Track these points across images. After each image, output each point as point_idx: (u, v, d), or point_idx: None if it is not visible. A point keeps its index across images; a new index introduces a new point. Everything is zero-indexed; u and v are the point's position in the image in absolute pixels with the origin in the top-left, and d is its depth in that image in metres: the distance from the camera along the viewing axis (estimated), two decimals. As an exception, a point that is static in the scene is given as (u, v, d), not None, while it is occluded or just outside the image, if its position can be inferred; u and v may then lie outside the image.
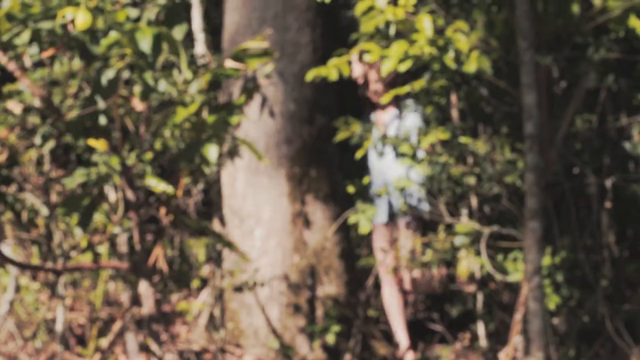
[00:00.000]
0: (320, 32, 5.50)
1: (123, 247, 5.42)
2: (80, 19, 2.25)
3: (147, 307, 2.95)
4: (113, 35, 2.53)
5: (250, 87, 3.41)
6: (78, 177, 2.87)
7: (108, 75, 2.58)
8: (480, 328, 5.49)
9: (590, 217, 4.65)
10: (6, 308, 4.86)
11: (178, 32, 2.59)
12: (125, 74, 3.69)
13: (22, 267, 3.16)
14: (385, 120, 5.57)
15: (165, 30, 2.51)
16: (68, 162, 5.43)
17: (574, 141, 5.65)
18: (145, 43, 2.40)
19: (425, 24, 3.83)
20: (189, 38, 5.71)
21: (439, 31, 4.01)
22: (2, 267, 5.03)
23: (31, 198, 4.17)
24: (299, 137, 5.35)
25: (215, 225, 5.53)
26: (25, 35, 2.45)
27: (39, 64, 3.09)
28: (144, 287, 2.94)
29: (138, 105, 2.99)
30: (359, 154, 4.96)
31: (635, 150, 5.57)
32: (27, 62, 3.45)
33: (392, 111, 5.52)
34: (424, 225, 5.76)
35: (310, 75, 4.30)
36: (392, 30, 3.89)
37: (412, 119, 5.40)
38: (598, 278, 4.62)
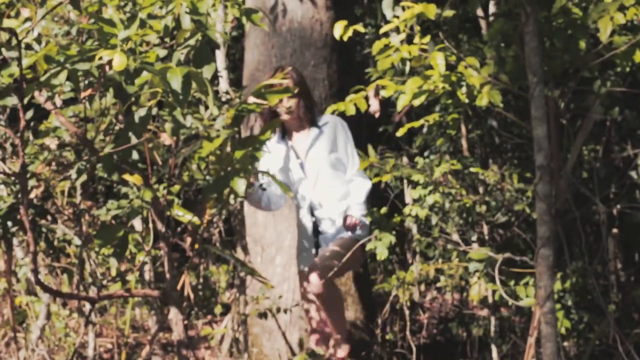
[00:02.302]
0: (336, 68, 5.55)
1: (148, 275, 5.45)
2: (116, 60, 2.28)
3: (177, 332, 2.95)
4: (145, 75, 2.56)
5: (272, 122, 3.43)
6: (112, 210, 2.89)
7: (140, 113, 2.61)
8: (494, 352, 5.46)
9: (599, 244, 4.63)
10: (38, 334, 4.87)
11: (207, 72, 2.62)
12: (154, 110, 3.74)
13: (60, 295, 3.18)
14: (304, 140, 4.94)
15: (195, 70, 2.54)
16: (96, 193, 5.46)
17: (582, 170, 5.65)
18: (175, 82, 2.43)
19: (439, 60, 3.86)
20: (213, 75, 5.76)
21: (451, 67, 4.04)
22: (36, 295, 5.05)
23: (63, 229, 4.20)
24: (317, 168, 5.36)
25: (238, 254, 5.54)
26: (62, 76, 2.48)
27: (69, 102, 3.13)
28: (174, 313, 2.95)
29: (167, 140, 3.02)
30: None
31: (640, 179, 5.56)
32: (59, 101, 3.48)
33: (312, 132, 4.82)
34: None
35: (330, 110, 4.33)
36: (407, 67, 3.91)
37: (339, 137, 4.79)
38: (608, 302, 4.59)
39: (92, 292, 2.91)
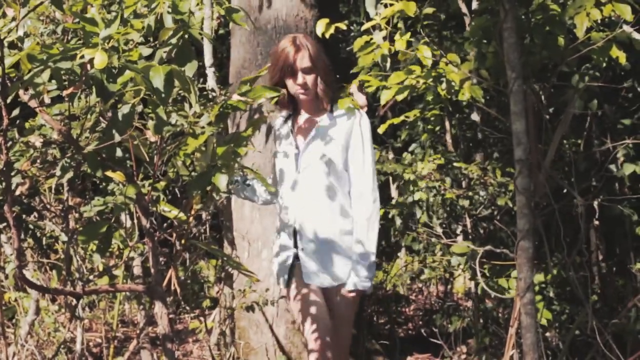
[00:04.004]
0: (321, 65, 5.55)
1: (137, 270, 5.46)
2: (97, 59, 2.29)
3: (162, 327, 2.96)
4: (128, 73, 2.57)
5: (256, 119, 3.45)
6: (96, 206, 2.90)
7: (123, 110, 2.62)
8: (476, 342, 5.49)
9: (578, 236, 4.67)
10: (27, 329, 4.87)
11: (189, 70, 2.63)
12: (139, 108, 3.74)
13: (44, 290, 3.18)
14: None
15: (177, 68, 2.55)
16: (85, 190, 5.46)
17: (562, 164, 5.69)
18: (158, 80, 2.44)
19: (426, 53, 3.90)
20: (201, 72, 5.77)
21: (433, 63, 4.06)
22: (25, 291, 5.05)
23: (51, 225, 4.20)
24: (303, 163, 5.38)
25: (225, 248, 5.56)
26: (45, 75, 2.49)
27: (57, 100, 3.13)
28: (159, 308, 2.96)
29: (152, 137, 3.03)
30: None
31: (620, 172, 5.60)
32: (47, 99, 3.49)
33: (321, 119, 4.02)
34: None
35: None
36: (387, 65, 3.93)
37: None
38: (587, 293, 4.63)
39: (79, 287, 2.91)
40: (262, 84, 3.26)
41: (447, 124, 6.54)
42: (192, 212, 4.20)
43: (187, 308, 5.80)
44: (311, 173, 3.69)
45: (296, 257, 3.75)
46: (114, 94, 2.49)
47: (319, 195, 3.68)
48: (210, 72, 5.44)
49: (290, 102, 3.85)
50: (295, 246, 3.73)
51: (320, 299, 3.66)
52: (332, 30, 4.06)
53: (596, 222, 6.30)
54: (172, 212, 3.77)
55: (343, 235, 3.66)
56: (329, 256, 3.67)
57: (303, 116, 3.84)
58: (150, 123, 2.79)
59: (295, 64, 3.65)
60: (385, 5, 3.98)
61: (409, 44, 3.94)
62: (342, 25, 4.08)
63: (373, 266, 3.65)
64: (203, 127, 3.09)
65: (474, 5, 6.36)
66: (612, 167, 5.69)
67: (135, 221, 4.02)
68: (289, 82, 3.70)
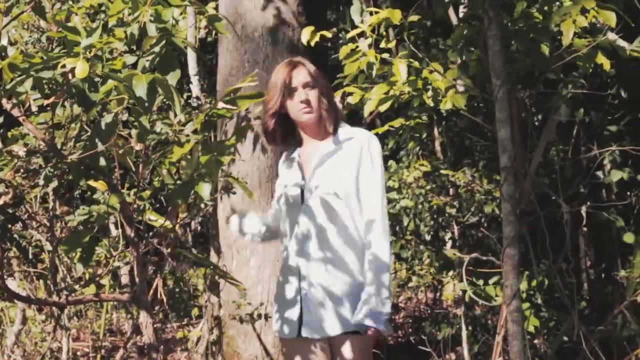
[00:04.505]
0: (308, 73, 5.56)
1: (125, 279, 5.45)
2: (79, 68, 2.29)
3: (147, 336, 2.96)
4: (111, 82, 2.58)
5: (241, 127, 3.45)
6: (80, 216, 2.90)
7: (106, 119, 2.62)
8: (465, 349, 5.50)
9: (564, 243, 4.69)
10: (13, 339, 4.86)
11: (172, 78, 2.62)
12: (124, 116, 3.73)
13: (27, 301, 3.17)
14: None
15: (160, 77, 2.55)
16: (71, 198, 5.45)
17: (549, 171, 5.71)
18: (140, 89, 2.44)
19: (401, 67, 3.89)
20: (187, 80, 5.77)
21: (418, 72, 4.08)
22: (11, 301, 5.03)
23: (36, 234, 4.19)
24: (290, 171, 5.39)
25: (213, 256, 5.55)
26: (27, 84, 2.49)
27: (43, 109, 3.13)
28: (143, 317, 2.96)
29: (136, 145, 3.03)
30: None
31: (607, 179, 5.63)
32: (34, 107, 3.50)
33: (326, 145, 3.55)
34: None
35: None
36: (373, 72, 3.94)
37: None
38: (574, 300, 4.65)
39: (63, 297, 2.91)
40: (250, 91, 3.26)
41: (435, 131, 6.56)
42: (178, 220, 4.20)
43: (176, 317, 5.79)
44: (318, 203, 3.24)
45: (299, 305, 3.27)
46: (95, 103, 2.48)
47: (327, 227, 3.22)
48: (194, 80, 5.44)
49: (291, 137, 3.42)
50: (299, 290, 3.25)
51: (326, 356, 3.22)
52: (317, 38, 4.08)
53: (584, 229, 6.32)
54: (158, 220, 3.76)
55: (354, 272, 3.21)
56: (339, 298, 3.18)
57: (307, 143, 3.38)
58: (134, 132, 2.79)
59: (292, 81, 3.26)
60: (371, 13, 4.00)
61: (383, 61, 3.94)
62: (328, 34, 4.10)
63: (388, 303, 3.16)
64: (188, 136, 3.09)
65: (462, 13, 6.39)
66: (599, 173, 5.71)
67: (120, 230, 4.02)
68: (290, 104, 3.28)
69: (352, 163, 3.24)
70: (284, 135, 3.39)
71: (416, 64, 4.00)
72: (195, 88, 5.50)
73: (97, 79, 2.62)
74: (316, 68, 3.34)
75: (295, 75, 3.27)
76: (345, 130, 3.33)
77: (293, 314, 3.25)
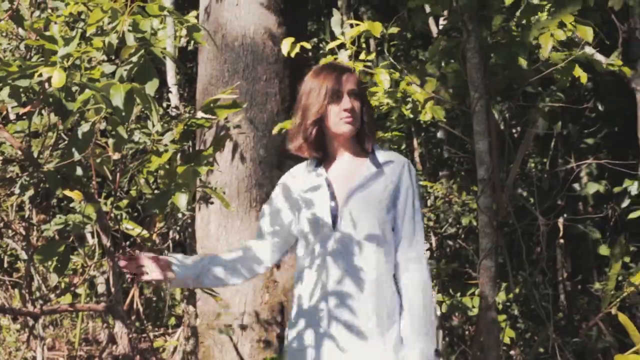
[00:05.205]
0: (288, 83, 5.56)
1: (101, 288, 5.42)
2: (55, 78, 2.28)
3: (122, 346, 2.94)
4: (88, 91, 2.56)
5: (220, 137, 3.45)
6: (55, 225, 2.88)
7: (83, 128, 2.60)
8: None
9: (541, 255, 4.72)
10: (-12, 348, 4.81)
11: (149, 88, 2.62)
12: (102, 125, 3.71)
13: (1, 310, 3.14)
14: None
15: (138, 86, 2.54)
16: (48, 207, 5.42)
17: (527, 183, 5.74)
18: (118, 99, 2.43)
19: (383, 77, 3.91)
20: (166, 89, 5.75)
21: (397, 83, 4.09)
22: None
23: (11, 243, 4.16)
24: (269, 181, 5.37)
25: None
26: (4, 92, 2.48)
27: (20, 117, 3.11)
28: (119, 327, 2.94)
29: (114, 154, 3.02)
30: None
31: (584, 191, 5.67)
32: (12, 115, 3.49)
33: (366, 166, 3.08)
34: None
35: (277, 128, 4.35)
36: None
37: None
38: (549, 312, 4.67)
39: (38, 306, 2.88)
40: (227, 101, 3.26)
41: (414, 142, 6.58)
42: (156, 229, 4.19)
43: (153, 326, 5.76)
44: (355, 232, 2.81)
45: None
46: (72, 112, 2.47)
47: (364, 260, 2.79)
48: (174, 89, 5.43)
49: (319, 145, 2.97)
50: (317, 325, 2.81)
51: None
52: (297, 49, 4.09)
53: (561, 241, 6.36)
54: (135, 229, 3.74)
55: (392, 315, 2.79)
56: (371, 340, 2.74)
57: (341, 159, 2.96)
58: (111, 141, 2.78)
59: (340, 86, 2.88)
60: (352, 25, 4.02)
61: (363, 72, 3.95)
62: (308, 45, 4.10)
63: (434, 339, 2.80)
64: (166, 145, 3.09)
65: (442, 24, 6.43)
66: (576, 186, 5.76)
67: (97, 239, 4.00)
68: (334, 109, 2.87)
69: (390, 189, 2.86)
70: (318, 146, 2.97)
71: (396, 74, 4.01)
72: (174, 97, 5.49)
73: (74, 88, 2.61)
74: (362, 82, 3.05)
75: (344, 80, 2.91)
76: (381, 152, 2.95)
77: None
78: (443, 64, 4.11)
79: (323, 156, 2.96)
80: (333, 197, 2.87)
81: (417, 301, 2.77)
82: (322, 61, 4.10)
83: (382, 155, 2.91)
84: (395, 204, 2.85)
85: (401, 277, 2.81)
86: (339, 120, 2.86)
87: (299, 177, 3.03)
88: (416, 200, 2.90)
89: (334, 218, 2.83)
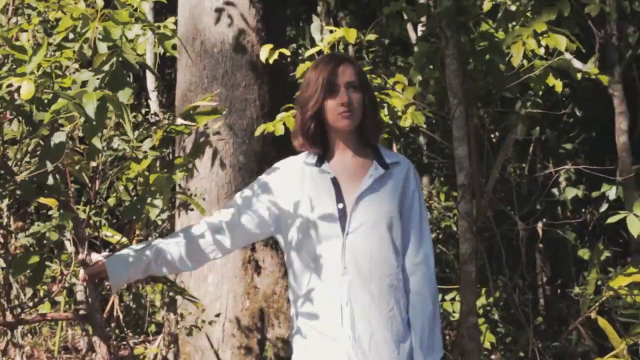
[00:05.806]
0: (267, 89, 5.53)
1: (80, 295, 5.35)
2: (24, 88, 2.22)
3: (101, 355, 2.90)
4: (61, 100, 2.52)
5: (200, 143, 3.41)
6: (32, 233, 2.83)
7: (56, 138, 2.55)
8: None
9: (521, 260, 4.71)
10: (-35, 358, 4.73)
11: (122, 96, 2.57)
12: (80, 132, 3.66)
13: (-24, 320, 3.09)
14: None
15: (111, 94, 2.50)
16: (26, 214, 5.34)
17: (506, 188, 5.74)
18: (90, 107, 2.39)
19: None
20: (145, 95, 5.70)
21: (379, 89, 4.08)
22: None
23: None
24: (249, 187, 5.35)
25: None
26: (-24, 101, 2.43)
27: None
28: (96, 336, 2.90)
29: (92, 162, 2.98)
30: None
31: (562, 196, 5.67)
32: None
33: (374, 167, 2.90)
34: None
35: (258, 131, 4.32)
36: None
37: None
38: (529, 316, 4.66)
39: (11, 316, 2.83)
40: (207, 108, 3.23)
41: (394, 147, 6.56)
42: (135, 236, 4.14)
43: (131, 334, 5.70)
44: (365, 237, 2.65)
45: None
46: (42, 123, 2.43)
47: (375, 265, 2.64)
48: (153, 95, 5.38)
49: (319, 140, 2.78)
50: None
51: None
52: (276, 56, 4.06)
53: (540, 245, 6.36)
54: (114, 237, 3.69)
55: (403, 316, 2.68)
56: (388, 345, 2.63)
57: (343, 155, 2.78)
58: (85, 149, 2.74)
59: (335, 78, 2.71)
60: (331, 31, 4.00)
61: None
62: (286, 51, 4.08)
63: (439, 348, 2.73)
64: (146, 152, 3.05)
65: (421, 30, 6.42)
66: (555, 191, 5.76)
67: (74, 247, 3.94)
68: (330, 104, 2.70)
69: (397, 192, 2.72)
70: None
71: (378, 80, 4.00)
72: (153, 104, 5.45)
73: (46, 97, 2.56)
74: (362, 69, 2.83)
75: (340, 72, 2.72)
76: (386, 151, 2.80)
77: None
78: (425, 70, 4.11)
79: (324, 152, 2.77)
80: (340, 198, 2.69)
81: (423, 308, 2.68)
82: (299, 68, 4.08)
83: (387, 156, 2.77)
84: (402, 207, 2.71)
85: (408, 282, 2.70)
86: (336, 116, 2.69)
87: (296, 172, 2.80)
88: (422, 203, 2.77)
89: (342, 222, 2.65)
